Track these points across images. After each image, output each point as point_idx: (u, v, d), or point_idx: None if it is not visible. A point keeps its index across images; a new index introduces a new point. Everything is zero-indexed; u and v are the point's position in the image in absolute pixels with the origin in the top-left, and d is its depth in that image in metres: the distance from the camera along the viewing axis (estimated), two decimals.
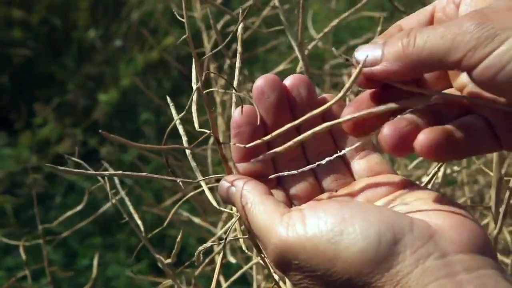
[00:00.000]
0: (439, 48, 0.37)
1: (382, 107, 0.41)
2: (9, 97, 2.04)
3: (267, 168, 0.46)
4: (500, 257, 0.76)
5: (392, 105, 0.40)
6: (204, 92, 0.41)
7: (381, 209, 0.38)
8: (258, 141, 0.43)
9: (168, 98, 0.47)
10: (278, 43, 1.08)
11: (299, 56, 0.68)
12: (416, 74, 0.42)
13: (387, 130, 0.39)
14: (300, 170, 0.44)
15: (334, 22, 0.70)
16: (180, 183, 0.42)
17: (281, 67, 0.86)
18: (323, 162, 0.44)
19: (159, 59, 2.07)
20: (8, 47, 2.07)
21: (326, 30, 0.71)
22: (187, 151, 0.46)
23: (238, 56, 0.41)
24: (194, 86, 0.41)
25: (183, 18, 0.38)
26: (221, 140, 0.44)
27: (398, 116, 0.41)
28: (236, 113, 0.44)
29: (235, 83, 0.45)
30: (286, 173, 0.45)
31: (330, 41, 1.20)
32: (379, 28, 0.69)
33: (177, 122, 0.45)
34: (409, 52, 0.38)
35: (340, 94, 0.40)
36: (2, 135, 1.87)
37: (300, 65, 0.69)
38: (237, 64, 0.41)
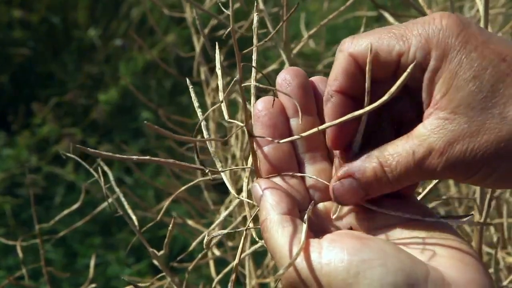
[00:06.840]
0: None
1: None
2: (9, 97, 2.04)
3: (290, 156, 0.46)
4: (485, 248, 0.78)
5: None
6: (242, 85, 0.42)
7: (399, 255, 0.38)
8: (294, 137, 0.44)
9: (187, 80, 0.48)
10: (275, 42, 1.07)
11: (284, 57, 0.69)
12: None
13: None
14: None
15: (322, 23, 0.70)
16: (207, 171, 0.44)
17: (270, 68, 0.87)
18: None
19: (159, 58, 2.07)
20: (8, 47, 2.08)
21: (312, 31, 0.71)
22: (209, 144, 0.47)
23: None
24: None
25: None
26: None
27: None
28: (258, 102, 0.46)
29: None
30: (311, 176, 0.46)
31: (323, 40, 1.21)
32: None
33: (203, 123, 0.46)
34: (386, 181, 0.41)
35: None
36: (1, 135, 1.87)
37: (286, 66, 0.69)
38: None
